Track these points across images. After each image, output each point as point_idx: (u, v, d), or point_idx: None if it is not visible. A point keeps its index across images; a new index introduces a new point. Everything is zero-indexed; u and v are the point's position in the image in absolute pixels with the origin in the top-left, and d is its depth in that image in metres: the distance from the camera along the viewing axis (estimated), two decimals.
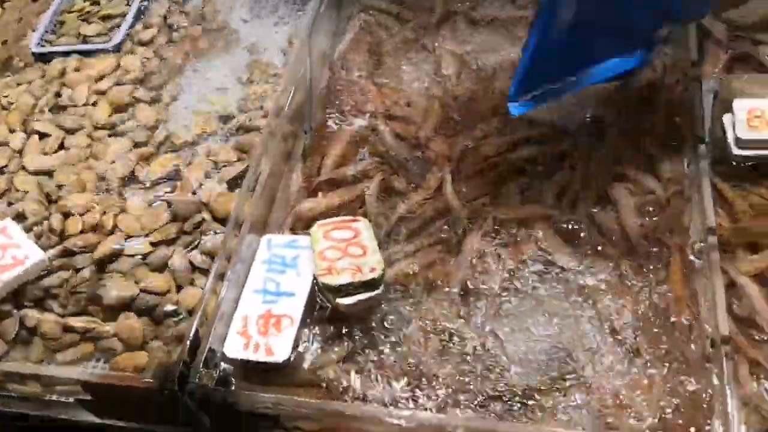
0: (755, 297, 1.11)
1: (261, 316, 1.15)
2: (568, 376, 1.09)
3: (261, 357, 1.11)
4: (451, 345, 1.14)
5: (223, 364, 1.12)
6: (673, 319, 1.12)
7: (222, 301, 1.17)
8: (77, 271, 1.30)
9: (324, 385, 1.11)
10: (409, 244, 1.26)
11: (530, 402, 1.07)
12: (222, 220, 1.32)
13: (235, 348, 1.12)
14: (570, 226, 1.24)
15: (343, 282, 1.13)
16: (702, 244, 1.14)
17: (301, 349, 1.15)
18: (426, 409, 1.07)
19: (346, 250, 1.17)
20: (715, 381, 1.03)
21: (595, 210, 1.25)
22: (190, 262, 1.28)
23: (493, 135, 1.37)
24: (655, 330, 1.12)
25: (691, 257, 1.17)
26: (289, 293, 1.17)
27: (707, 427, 1.01)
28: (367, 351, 1.14)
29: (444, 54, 1.54)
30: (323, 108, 1.50)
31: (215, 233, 1.30)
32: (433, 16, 1.61)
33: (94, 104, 1.56)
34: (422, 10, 1.64)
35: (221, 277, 1.19)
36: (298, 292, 1.17)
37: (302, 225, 1.30)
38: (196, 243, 1.30)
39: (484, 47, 1.54)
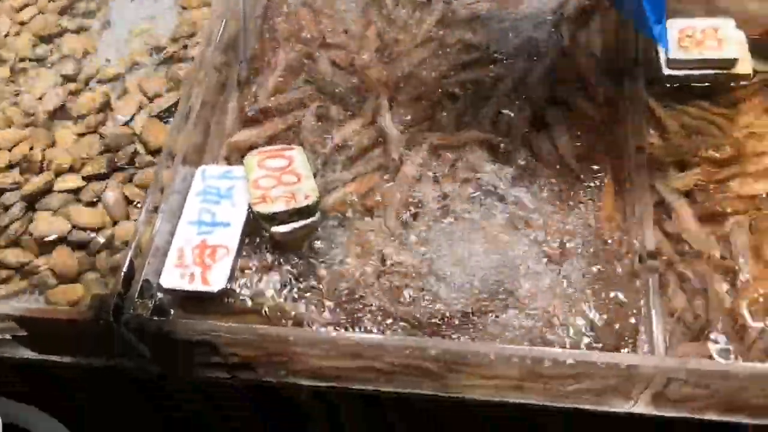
0: (684, 214, 1.14)
1: (196, 246, 1.14)
2: (504, 296, 1.11)
3: (197, 287, 1.11)
4: (388, 269, 1.15)
5: (159, 295, 1.12)
6: (605, 237, 1.14)
7: (157, 233, 1.15)
8: (6, 208, 1.26)
9: (262, 312, 1.12)
10: (346, 172, 1.25)
11: (466, 322, 1.09)
12: (155, 152, 1.30)
13: (171, 279, 1.11)
14: (505, 150, 1.24)
15: (277, 210, 1.12)
16: (632, 164, 1.16)
17: (238, 278, 1.15)
18: (363, 331, 1.08)
19: (281, 178, 1.16)
20: (644, 295, 1.06)
21: (531, 133, 1.26)
22: (124, 196, 1.26)
23: (429, 61, 1.36)
24: (588, 248, 1.14)
25: (623, 177, 1.19)
26: (225, 223, 1.17)
27: (635, 340, 1.05)
28: (304, 278, 1.15)
29: None
30: (259, 36, 1.46)
31: (149, 166, 1.28)
32: None
33: (17, 35, 1.49)
34: None
35: (155, 209, 1.17)
36: (233, 222, 1.16)
37: (238, 155, 1.28)
38: (129, 176, 1.28)
39: None
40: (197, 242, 1.15)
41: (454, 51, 1.37)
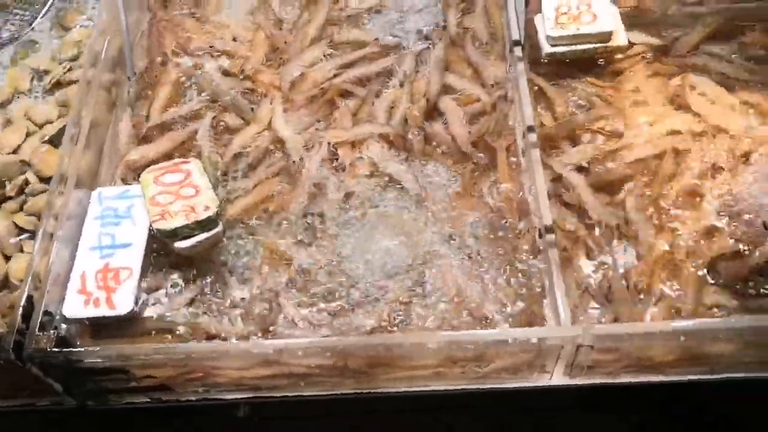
0: (580, 186, 1.17)
1: (99, 271, 1.11)
2: (415, 285, 1.12)
3: (103, 312, 1.08)
4: (298, 272, 1.14)
5: (63, 325, 1.08)
6: (505, 216, 1.17)
7: (54, 262, 1.11)
8: None
9: (174, 329, 1.10)
10: (246, 179, 1.24)
11: (380, 315, 1.10)
12: (48, 179, 1.25)
13: (74, 307, 1.08)
14: (403, 141, 1.25)
15: (177, 225, 1.10)
16: (526, 142, 1.19)
17: (145, 298, 1.12)
18: (279, 337, 1.08)
19: (179, 192, 1.14)
20: (546, 269, 1.09)
21: (426, 122, 1.27)
22: (16, 226, 1.21)
23: (321, 61, 1.36)
24: (491, 229, 1.16)
25: (518, 156, 1.22)
26: (126, 244, 1.14)
27: (542, 314, 1.08)
28: (213, 290, 1.13)
29: None
30: (146, 51, 1.43)
31: (42, 194, 1.24)
32: None
33: None
34: None
35: (50, 237, 1.13)
36: (135, 242, 1.14)
37: (134, 174, 1.25)
38: (20, 205, 1.23)
39: None
40: (99, 266, 1.12)
41: (345, 48, 1.38)
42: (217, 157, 1.26)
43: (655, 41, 1.31)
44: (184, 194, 1.14)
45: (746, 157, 1.15)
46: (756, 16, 1.31)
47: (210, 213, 1.12)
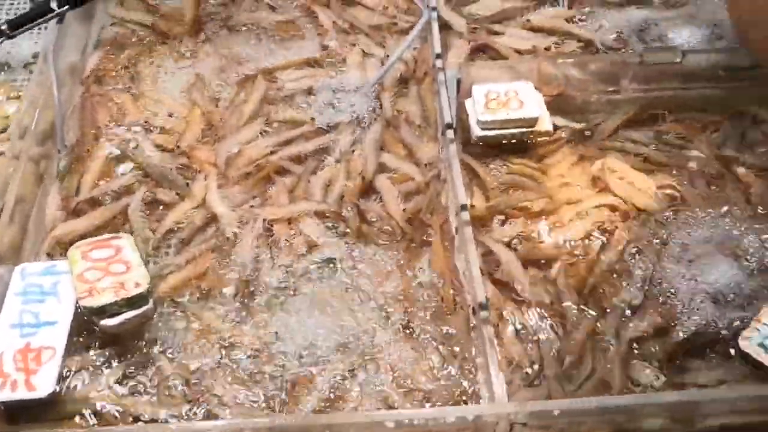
0: (510, 262, 1.20)
1: (19, 351, 1.06)
2: (351, 365, 1.11)
3: (21, 395, 1.02)
4: (232, 351, 1.12)
5: None
6: (440, 294, 1.18)
7: None
8: None
9: (98, 412, 1.05)
10: (179, 255, 1.22)
11: (315, 395, 1.08)
12: None
13: None
14: (339, 219, 1.27)
15: (105, 302, 1.07)
16: (458, 221, 1.22)
17: (69, 379, 1.07)
18: (210, 418, 1.04)
19: (108, 268, 1.11)
20: (481, 346, 1.10)
21: (362, 200, 1.29)
22: None
23: (257, 138, 1.38)
24: (426, 306, 1.17)
25: (451, 234, 1.24)
26: (50, 322, 1.09)
27: (478, 391, 1.08)
28: (142, 370, 1.09)
29: (203, 61, 1.52)
30: (78, 124, 1.42)
31: None
32: (189, 24, 1.59)
33: None
34: (177, 18, 1.61)
35: None
36: (60, 320, 1.09)
37: (62, 249, 1.22)
38: None
39: (244, 54, 1.54)
40: (20, 346, 1.07)
41: (282, 127, 1.40)
42: (149, 232, 1.24)
43: (577, 126, 1.38)
44: (113, 270, 1.11)
45: (665, 237, 1.21)
46: (670, 105, 1.40)
47: (140, 290, 1.09)
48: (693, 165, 1.32)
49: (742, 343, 1.06)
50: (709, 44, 1.50)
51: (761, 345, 1.05)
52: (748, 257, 1.18)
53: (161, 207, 1.29)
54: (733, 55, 1.42)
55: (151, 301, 1.12)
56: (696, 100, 1.40)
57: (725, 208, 1.25)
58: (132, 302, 1.09)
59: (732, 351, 1.09)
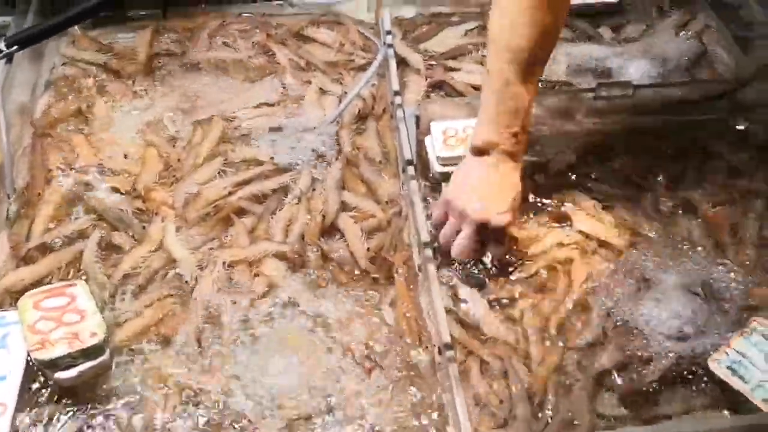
0: (476, 302, 1.19)
1: None
2: (313, 410, 1.08)
3: None
4: (194, 400, 1.09)
5: None
6: (405, 334, 1.17)
7: None
8: None
9: None
10: (136, 301, 1.19)
11: None
12: None
13: None
14: (300, 259, 1.25)
15: (59, 354, 1.03)
16: (421, 258, 1.21)
17: None
18: None
19: (61, 318, 1.08)
20: (447, 386, 1.09)
21: (324, 240, 1.28)
22: None
23: (215, 178, 1.36)
24: (392, 347, 1.16)
25: (414, 272, 1.24)
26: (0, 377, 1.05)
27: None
28: (99, 424, 1.05)
29: (158, 101, 1.50)
30: (28, 167, 1.38)
31: None
32: (143, 63, 1.57)
33: None
34: (130, 57, 1.59)
35: None
36: (10, 375, 1.05)
37: (13, 299, 1.17)
38: None
39: (200, 92, 1.52)
40: None
41: (240, 166, 1.38)
42: (104, 278, 1.20)
43: (534, 159, 1.39)
44: (67, 320, 1.07)
45: (626, 271, 1.22)
46: (624, 139, 1.42)
47: (96, 340, 1.05)
48: (650, 199, 1.34)
49: (712, 365, 1.08)
50: (660, 78, 1.53)
51: (729, 368, 1.07)
52: (708, 289, 1.20)
53: (117, 251, 1.26)
54: (684, 89, 1.46)
55: (107, 351, 1.08)
56: (649, 134, 1.43)
57: (684, 241, 1.27)
58: (87, 353, 1.05)
59: (697, 381, 1.10)
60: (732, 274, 1.22)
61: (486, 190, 1.17)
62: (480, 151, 1.18)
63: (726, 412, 1.07)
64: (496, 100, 1.16)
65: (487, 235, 1.18)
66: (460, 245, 1.19)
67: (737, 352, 1.09)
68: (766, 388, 1.05)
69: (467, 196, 1.17)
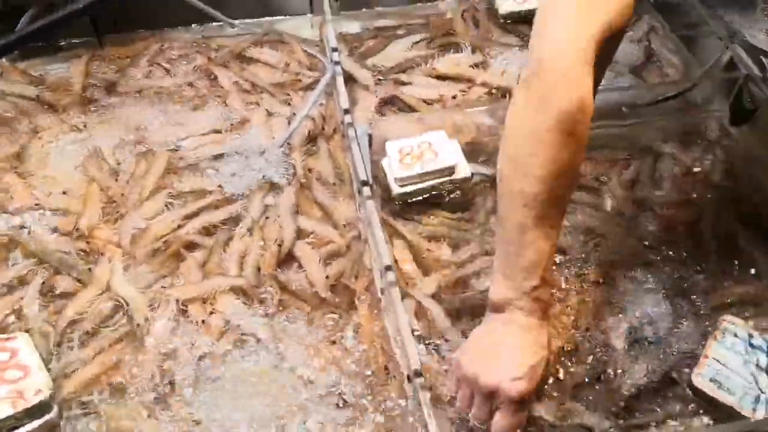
0: (437, 315, 1.16)
1: None
2: None
3: None
4: None
5: None
6: (371, 361, 1.12)
7: None
8: None
9: None
10: (85, 349, 1.12)
11: None
12: None
13: None
14: (258, 292, 1.20)
15: (1, 416, 0.96)
16: (384, 282, 1.17)
17: None
18: None
19: (3, 376, 1.00)
20: (419, 414, 1.05)
21: (281, 270, 1.23)
22: None
23: (162, 212, 1.29)
24: (358, 376, 1.11)
25: (377, 297, 1.20)
26: None
27: None
28: None
29: (97, 133, 1.43)
30: None
31: None
32: (79, 94, 1.49)
33: None
34: (65, 88, 1.51)
35: None
36: None
37: None
38: None
39: (142, 122, 1.46)
40: None
41: (188, 198, 1.32)
42: (48, 327, 1.13)
43: (493, 171, 1.37)
44: (9, 377, 1.00)
45: (590, 277, 1.20)
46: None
47: (42, 397, 0.98)
48: (608, 203, 1.32)
49: (695, 380, 1.06)
50: (610, 83, 1.53)
51: (713, 380, 1.06)
52: (670, 291, 1.19)
53: (61, 297, 1.18)
54: (634, 93, 1.46)
55: (55, 407, 1.01)
56: (602, 138, 1.42)
57: (644, 243, 1.25)
58: (33, 412, 0.98)
59: (671, 387, 1.08)
60: (694, 273, 1.21)
61: (500, 352, 1.01)
62: (496, 308, 1.03)
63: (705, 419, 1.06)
64: (510, 251, 0.99)
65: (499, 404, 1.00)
66: (473, 416, 1.03)
67: (716, 360, 1.07)
68: (751, 395, 1.04)
69: (478, 359, 1.01)
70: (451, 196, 1.32)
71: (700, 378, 1.06)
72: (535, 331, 1.01)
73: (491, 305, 1.03)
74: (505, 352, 1.01)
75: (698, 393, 1.06)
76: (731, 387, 1.05)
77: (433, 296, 1.19)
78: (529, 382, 0.99)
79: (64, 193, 1.33)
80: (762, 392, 1.05)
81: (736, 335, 1.10)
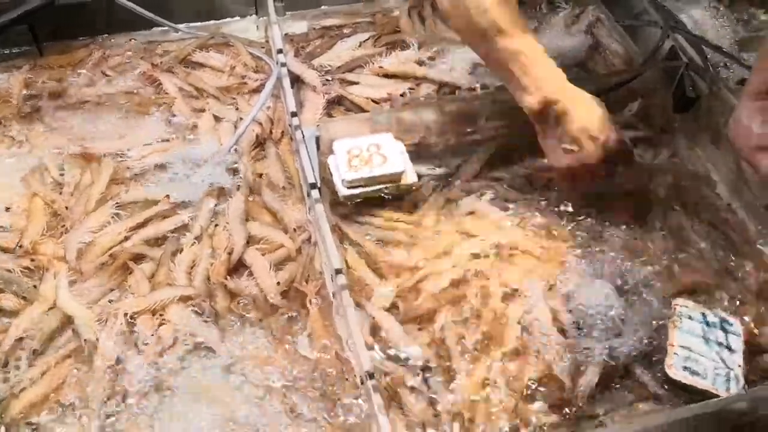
0: (388, 327, 1.15)
1: None
2: None
3: None
4: None
5: None
6: (324, 366, 1.12)
7: None
8: None
9: None
10: (33, 368, 1.10)
11: None
12: None
13: None
14: (209, 302, 1.18)
15: None
16: (335, 286, 1.17)
17: None
18: None
19: None
20: (374, 416, 1.05)
21: (231, 278, 1.22)
22: None
23: (108, 224, 1.27)
24: (311, 381, 1.11)
25: (329, 301, 1.19)
26: None
27: None
28: None
29: (39, 145, 1.40)
30: None
31: None
32: (18, 106, 1.46)
33: None
34: (4, 99, 1.48)
35: None
36: None
37: None
38: None
39: (85, 132, 1.43)
40: None
41: (134, 208, 1.30)
42: None
43: (441, 171, 1.37)
44: None
45: (540, 273, 1.20)
46: (526, 141, 1.41)
47: None
48: (557, 198, 1.33)
49: (670, 372, 1.08)
50: None
51: (686, 368, 1.08)
52: (624, 282, 1.20)
53: (6, 316, 1.16)
54: (581, 84, 1.46)
55: (2, 429, 0.99)
56: None
57: (595, 237, 1.27)
58: None
59: (631, 377, 1.10)
60: (647, 264, 1.22)
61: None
62: (541, 112, 1.20)
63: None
64: (505, 77, 1.20)
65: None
66: None
67: (682, 347, 1.09)
68: (722, 375, 1.06)
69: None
70: (399, 200, 1.32)
71: (674, 369, 1.07)
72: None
73: (533, 116, 1.21)
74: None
75: (674, 383, 1.07)
76: (702, 371, 1.07)
77: (391, 305, 1.18)
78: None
79: (6, 209, 1.30)
80: (730, 368, 1.07)
81: (690, 318, 1.13)
